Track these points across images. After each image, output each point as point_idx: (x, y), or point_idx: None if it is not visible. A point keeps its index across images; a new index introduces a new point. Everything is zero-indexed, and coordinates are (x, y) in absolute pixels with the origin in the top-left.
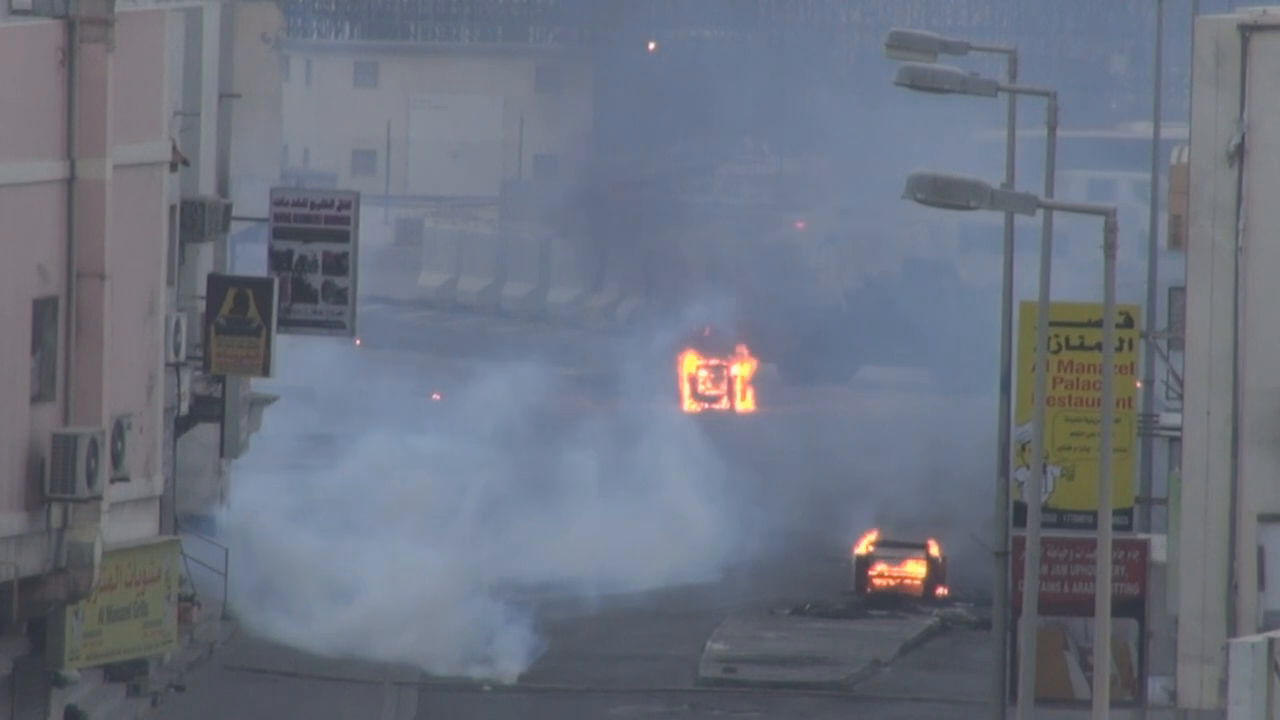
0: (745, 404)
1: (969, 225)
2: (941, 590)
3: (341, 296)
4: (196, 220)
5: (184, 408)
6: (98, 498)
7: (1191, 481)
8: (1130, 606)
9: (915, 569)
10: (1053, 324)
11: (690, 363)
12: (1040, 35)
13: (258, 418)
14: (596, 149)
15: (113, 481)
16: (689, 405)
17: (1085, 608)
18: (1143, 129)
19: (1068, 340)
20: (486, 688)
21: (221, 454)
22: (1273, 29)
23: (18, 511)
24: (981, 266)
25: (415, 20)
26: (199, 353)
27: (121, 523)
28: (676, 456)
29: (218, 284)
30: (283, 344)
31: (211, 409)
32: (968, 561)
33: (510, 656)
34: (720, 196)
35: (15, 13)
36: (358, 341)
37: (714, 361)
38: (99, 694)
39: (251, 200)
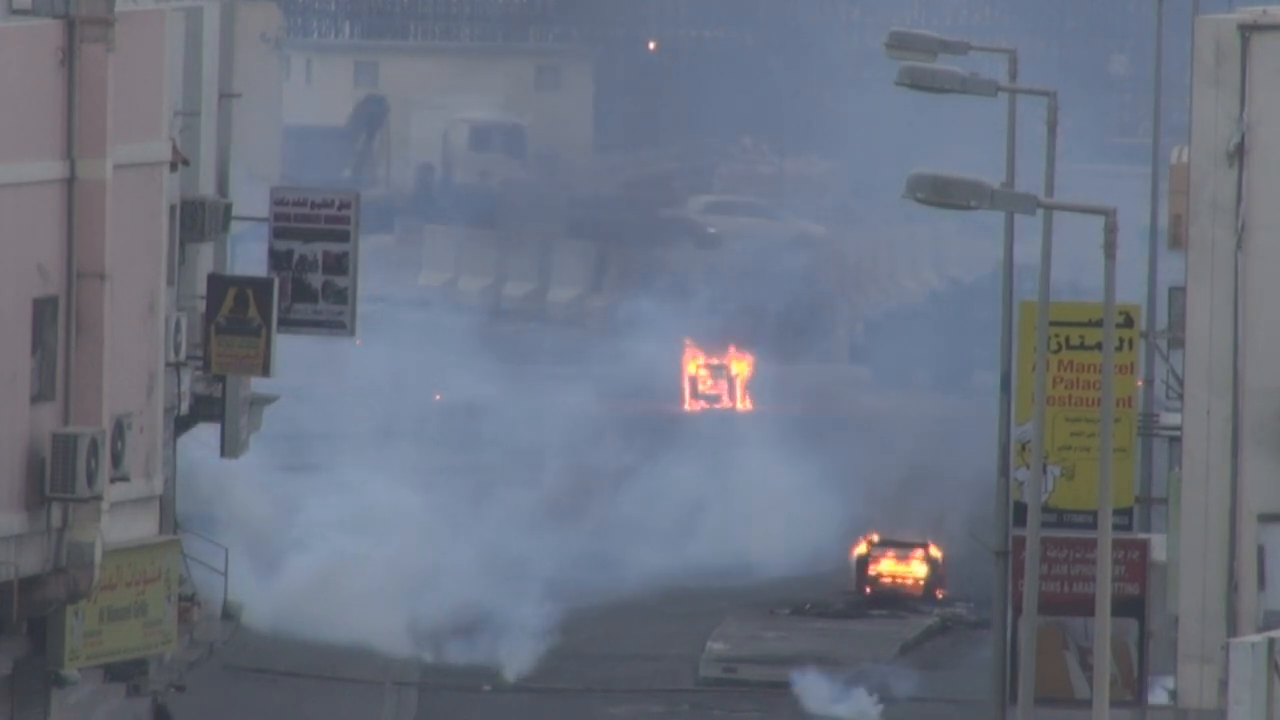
0: (744, 404)
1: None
2: (939, 591)
3: (341, 296)
4: (196, 220)
5: (184, 408)
6: (98, 498)
7: (1191, 481)
8: (1130, 606)
9: (915, 569)
10: (1053, 324)
11: (690, 362)
12: (1040, 35)
13: (258, 417)
14: (596, 149)
15: (113, 481)
16: (689, 405)
17: (1085, 608)
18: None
19: (1068, 340)
20: (486, 687)
21: (222, 454)
22: (1273, 29)
23: (18, 511)
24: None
25: (415, 20)
26: (199, 353)
27: (121, 523)
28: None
29: (218, 284)
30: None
31: (211, 409)
32: (967, 561)
33: (469, 649)
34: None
35: (15, 13)
36: (359, 342)
37: (714, 361)
38: (99, 694)
39: (251, 200)
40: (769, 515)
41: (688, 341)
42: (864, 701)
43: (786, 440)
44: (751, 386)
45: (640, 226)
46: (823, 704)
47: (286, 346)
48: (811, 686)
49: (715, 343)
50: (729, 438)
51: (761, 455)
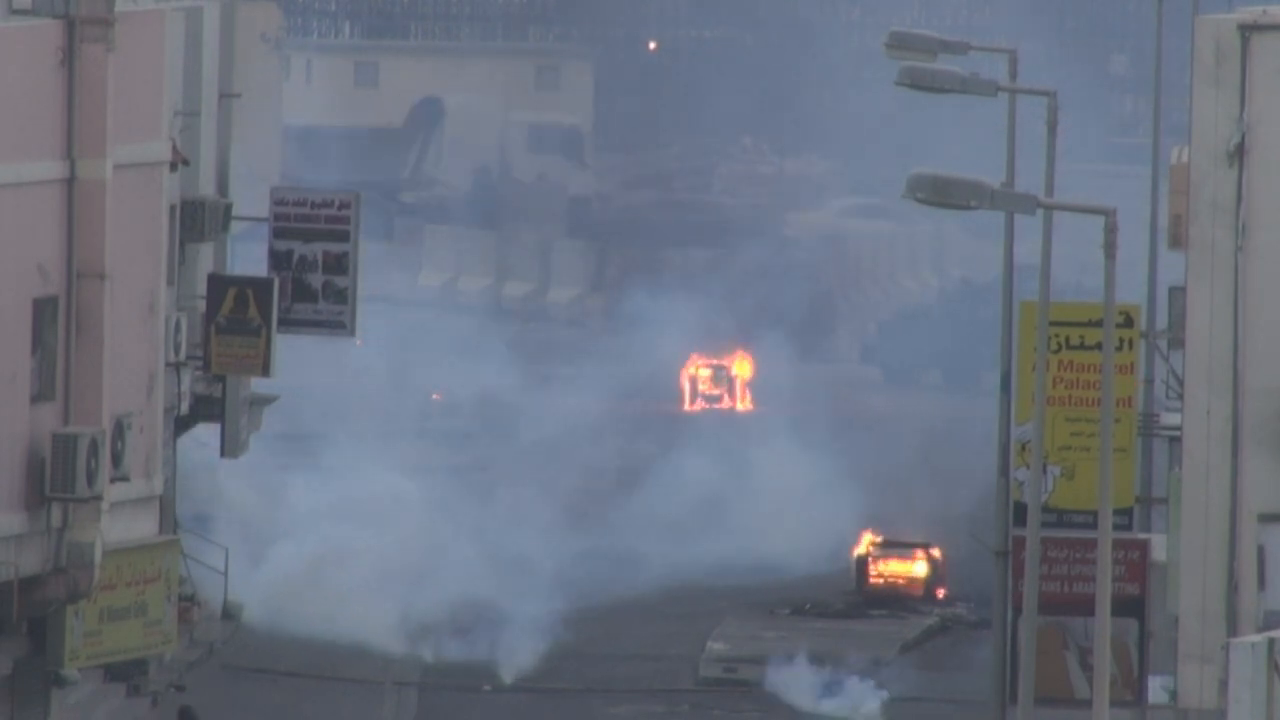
0: (744, 404)
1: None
2: (939, 591)
3: (342, 296)
4: (196, 220)
5: (184, 408)
6: (98, 498)
7: (1191, 481)
8: (1130, 606)
9: (915, 569)
10: (1053, 324)
11: (691, 363)
12: (1040, 35)
13: (258, 417)
14: (596, 149)
15: (113, 481)
16: (690, 405)
17: (1085, 608)
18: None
19: (1068, 340)
20: (486, 687)
21: (222, 454)
22: (1273, 29)
23: (18, 511)
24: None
25: (415, 20)
26: (199, 353)
27: (121, 523)
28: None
29: (218, 284)
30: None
31: (211, 409)
32: (967, 561)
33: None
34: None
35: (15, 13)
36: (359, 342)
37: (715, 361)
38: (99, 694)
39: (251, 200)
40: (769, 515)
41: (688, 343)
42: (857, 691)
43: (788, 440)
44: (752, 387)
45: (727, 229)
46: (806, 701)
47: (286, 345)
48: (787, 683)
49: (721, 343)
50: (729, 438)
51: (761, 455)
